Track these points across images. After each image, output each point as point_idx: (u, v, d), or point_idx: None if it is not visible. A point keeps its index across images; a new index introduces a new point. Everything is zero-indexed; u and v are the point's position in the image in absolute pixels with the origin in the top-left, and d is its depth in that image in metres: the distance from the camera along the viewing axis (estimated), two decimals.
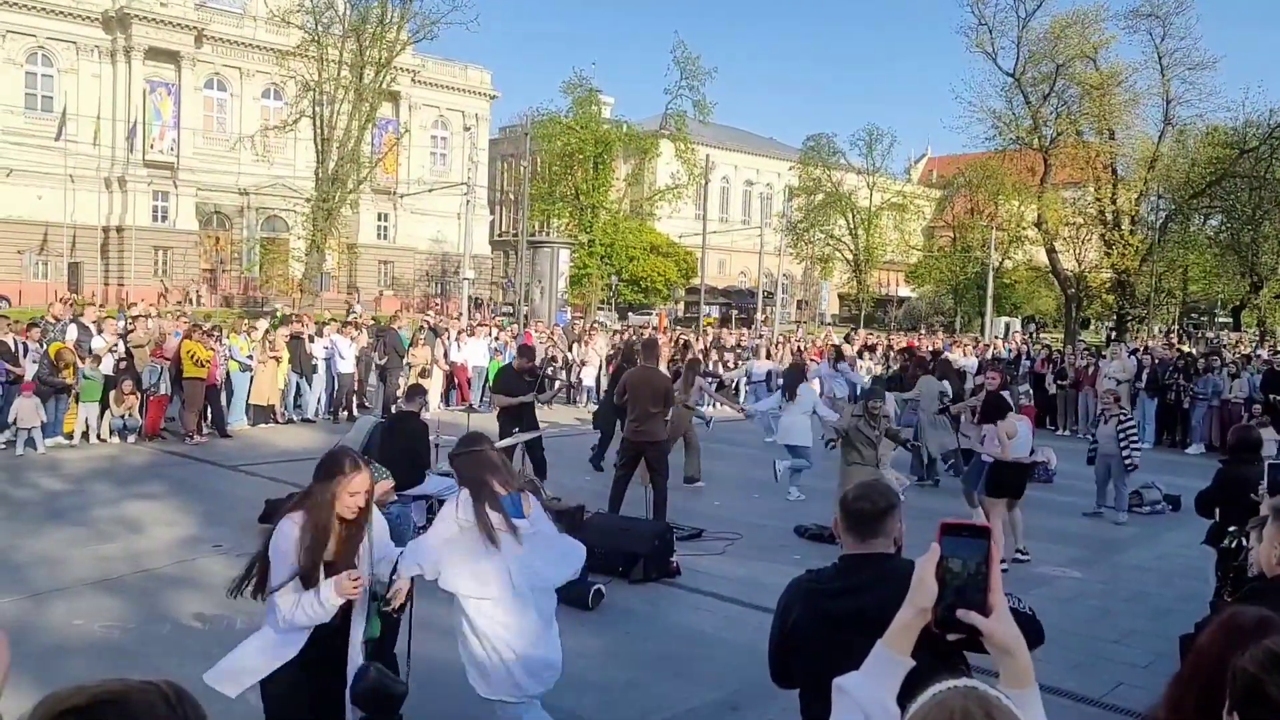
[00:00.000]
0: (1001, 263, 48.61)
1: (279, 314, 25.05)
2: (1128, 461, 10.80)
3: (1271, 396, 16.34)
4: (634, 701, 5.71)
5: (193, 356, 14.43)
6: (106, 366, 14.37)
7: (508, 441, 10.30)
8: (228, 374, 15.70)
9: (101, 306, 25.82)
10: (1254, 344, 32.62)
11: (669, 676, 6.11)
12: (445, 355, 18.55)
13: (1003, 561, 8.77)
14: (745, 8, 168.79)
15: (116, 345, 14.91)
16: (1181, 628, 7.18)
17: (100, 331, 15.02)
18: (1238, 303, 45.32)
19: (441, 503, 9.06)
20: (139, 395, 14.52)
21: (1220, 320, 54.12)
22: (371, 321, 20.24)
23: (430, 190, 47.21)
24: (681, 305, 61.39)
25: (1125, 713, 5.81)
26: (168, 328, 16.13)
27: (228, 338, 16.32)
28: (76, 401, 13.93)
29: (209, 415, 15.12)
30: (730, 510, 10.89)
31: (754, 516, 10.71)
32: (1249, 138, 36.85)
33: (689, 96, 48.25)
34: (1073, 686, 5.98)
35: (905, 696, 1.58)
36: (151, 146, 47.55)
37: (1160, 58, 37.03)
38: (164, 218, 48.64)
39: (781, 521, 10.38)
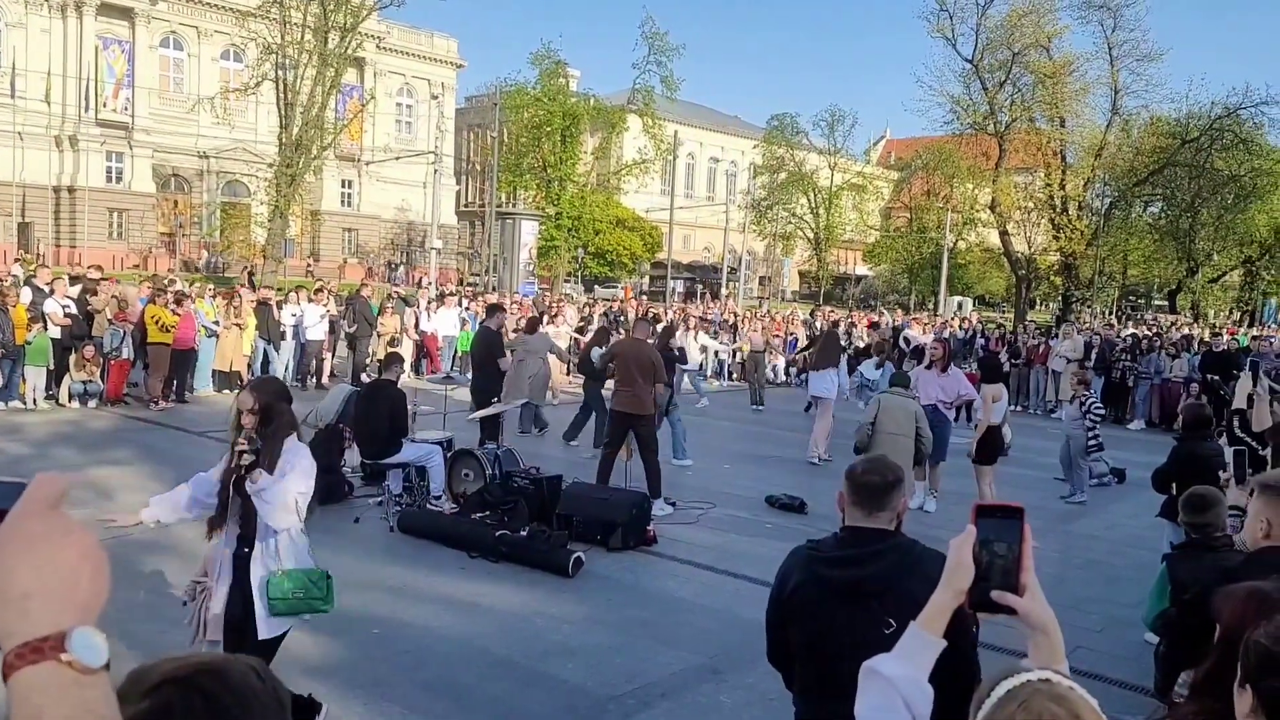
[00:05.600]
0: (955, 244, 49.40)
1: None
2: (1092, 441, 11.15)
3: (1209, 376, 16.97)
4: (619, 666, 5.90)
5: (157, 321, 14.31)
6: (53, 330, 14.15)
7: (489, 410, 10.45)
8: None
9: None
10: (1190, 325, 33.76)
11: (651, 642, 6.31)
12: (416, 324, 18.56)
13: None
14: None
15: (68, 306, 14.68)
16: (1131, 594, 7.63)
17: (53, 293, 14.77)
18: (1174, 286, 46.72)
19: (419, 470, 9.28)
20: (101, 360, 14.42)
21: (1157, 303, 55.63)
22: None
23: (396, 158, 46.75)
24: (647, 279, 61.70)
25: (1083, 674, 6.13)
26: (131, 293, 15.93)
27: (193, 302, 16.17)
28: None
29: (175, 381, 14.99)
30: (701, 479, 11.12)
31: (725, 486, 10.97)
32: (1190, 128, 37.74)
33: (656, 72, 48.14)
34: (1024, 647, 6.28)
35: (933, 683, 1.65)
36: (105, 105, 46.41)
37: (1110, 49, 37.77)
38: (118, 179, 47.63)
39: (752, 491, 10.65)
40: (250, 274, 29.76)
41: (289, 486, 4.03)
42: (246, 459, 4.08)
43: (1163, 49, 37.90)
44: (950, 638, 1.67)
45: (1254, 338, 24.46)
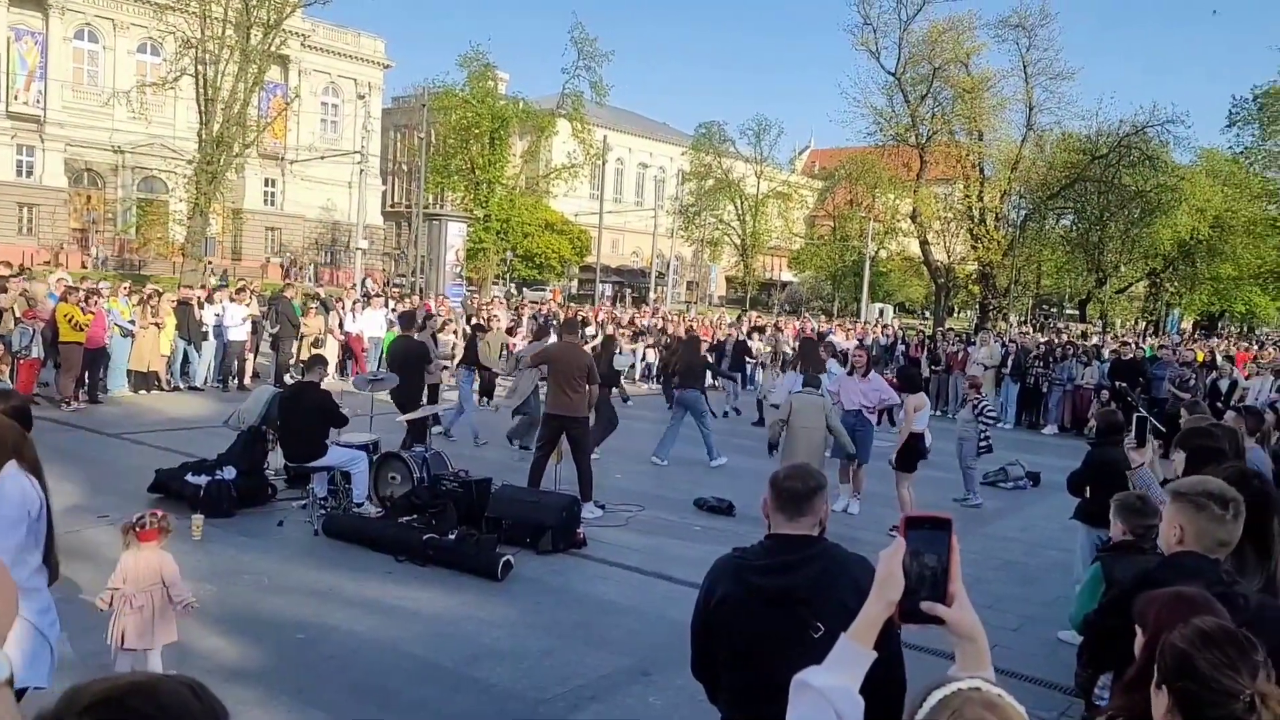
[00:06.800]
0: (877, 252, 50.48)
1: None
2: (983, 444, 11.39)
3: (1118, 383, 17.62)
4: (550, 669, 5.89)
5: (70, 319, 13.90)
6: None
7: (417, 413, 10.34)
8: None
9: None
10: (1097, 334, 35.10)
11: (582, 645, 6.31)
12: (340, 325, 18.33)
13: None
14: None
15: None
16: (1046, 593, 7.89)
17: None
18: (1084, 296, 48.56)
19: (345, 475, 9.14)
20: (10, 359, 13.92)
21: (1068, 312, 57.70)
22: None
23: (321, 158, 46.01)
24: (575, 283, 61.71)
25: (999, 671, 6.30)
26: (40, 290, 15.39)
27: (107, 301, 15.72)
28: None
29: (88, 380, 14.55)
30: (631, 482, 11.17)
31: (654, 489, 11.04)
32: (1100, 145, 39.23)
33: (586, 78, 48.11)
34: (951, 648, 6.46)
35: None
36: (15, 98, 45.11)
37: (1025, 66, 39.10)
38: (29, 173, 46.31)
39: (681, 494, 10.72)
40: (227, 279, 28.65)
41: None
42: None
43: (1074, 68, 39.55)
44: (878, 647, 1.70)
45: (1160, 347, 25.46)
